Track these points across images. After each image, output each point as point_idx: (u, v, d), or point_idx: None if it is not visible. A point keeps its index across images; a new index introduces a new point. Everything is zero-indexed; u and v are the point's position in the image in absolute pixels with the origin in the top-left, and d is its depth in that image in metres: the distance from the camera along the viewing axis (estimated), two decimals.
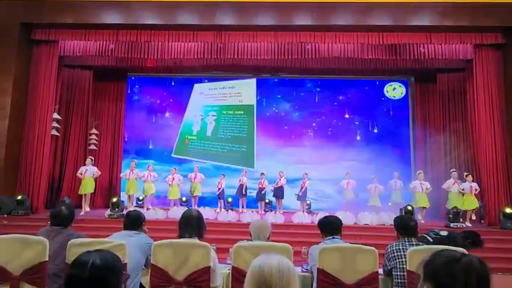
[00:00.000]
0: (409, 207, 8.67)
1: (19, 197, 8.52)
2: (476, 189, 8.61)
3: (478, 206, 8.66)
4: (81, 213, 8.95)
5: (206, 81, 12.67)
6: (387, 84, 11.98)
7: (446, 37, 8.90)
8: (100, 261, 1.38)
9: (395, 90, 11.97)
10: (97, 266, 1.36)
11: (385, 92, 11.95)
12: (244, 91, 12.77)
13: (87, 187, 9.30)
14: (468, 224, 8.44)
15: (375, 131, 11.68)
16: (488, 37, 8.85)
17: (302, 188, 9.95)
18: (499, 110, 8.85)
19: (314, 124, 11.95)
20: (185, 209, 4.33)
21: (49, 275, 2.84)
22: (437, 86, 10.91)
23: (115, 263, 1.43)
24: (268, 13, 8.92)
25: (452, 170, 9.20)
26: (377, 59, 9.96)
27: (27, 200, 8.62)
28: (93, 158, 9.92)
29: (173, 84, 12.39)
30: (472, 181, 8.74)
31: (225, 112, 12.70)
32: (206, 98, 12.71)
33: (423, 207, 9.03)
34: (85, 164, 9.66)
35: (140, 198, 10.34)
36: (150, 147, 12.01)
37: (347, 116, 11.87)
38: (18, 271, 2.77)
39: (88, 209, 9.20)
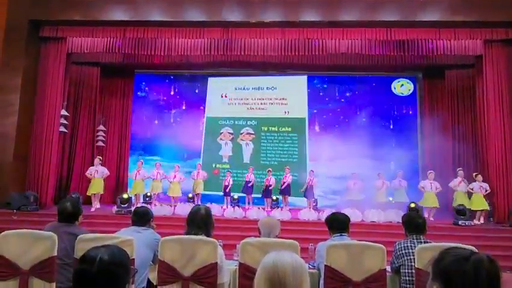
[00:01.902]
0: (412, 205, 8.60)
1: (28, 193, 8.61)
2: (486, 190, 8.45)
3: (488, 208, 8.47)
4: (91, 210, 9.05)
5: (218, 76, 11.22)
6: (394, 81, 11.87)
7: (455, 33, 8.80)
8: (108, 256, 1.39)
9: (402, 87, 11.86)
10: (105, 261, 1.37)
11: (393, 89, 11.85)
12: (291, 96, 10.43)
13: (97, 187, 9.31)
14: (477, 222, 8.36)
15: (382, 127, 11.58)
16: (498, 32, 8.72)
17: (308, 184, 9.91)
18: (509, 106, 8.73)
19: (321, 121, 11.90)
20: (192, 205, 4.34)
21: None
22: (445, 82, 10.79)
23: (122, 258, 1.44)
24: (275, 9, 8.88)
25: (458, 169, 9.10)
26: (385, 55, 9.88)
27: (36, 196, 8.72)
28: (101, 158, 9.95)
29: (180, 81, 12.29)
30: (482, 181, 8.59)
31: (265, 129, 10.46)
32: (233, 104, 10.70)
33: (433, 207, 8.94)
34: (93, 164, 9.65)
35: (148, 194, 10.38)
36: (157, 144, 12.03)
37: (353, 112, 11.79)
38: (27, 266, 2.80)
39: (98, 206, 9.25)
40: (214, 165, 10.65)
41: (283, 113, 10.63)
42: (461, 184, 8.76)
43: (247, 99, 10.84)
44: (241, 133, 10.52)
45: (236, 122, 10.87)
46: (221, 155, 10.71)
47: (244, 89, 10.73)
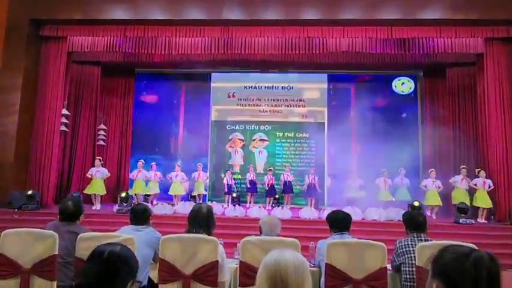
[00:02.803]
0: (415, 203, 8.61)
1: (29, 192, 8.62)
2: (490, 186, 8.42)
3: (491, 205, 8.41)
4: (93, 208, 9.06)
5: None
6: (395, 79, 11.84)
7: (456, 31, 8.77)
8: (117, 251, 1.43)
9: (403, 85, 11.83)
10: (114, 256, 1.41)
11: (393, 87, 11.82)
12: (310, 97, 9.99)
13: (98, 188, 9.28)
14: (480, 220, 8.34)
15: (383, 126, 11.53)
16: (499, 30, 8.70)
17: (309, 182, 9.90)
18: (510, 104, 8.72)
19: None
20: (193, 204, 4.33)
21: None
22: (446, 80, 10.77)
23: (130, 255, 1.47)
24: (276, 8, 8.87)
25: (462, 167, 9.08)
26: (386, 54, 9.86)
27: (37, 195, 8.72)
28: (101, 159, 9.92)
29: (181, 79, 12.23)
30: (486, 177, 8.55)
31: (280, 134, 9.87)
32: (244, 107, 10.07)
33: (436, 206, 8.91)
34: (93, 166, 9.62)
35: (147, 194, 10.34)
36: (158, 143, 12.00)
37: (354, 111, 11.75)
38: (28, 264, 2.81)
39: (99, 207, 9.21)
40: (223, 176, 10.13)
41: (301, 117, 10.13)
42: (463, 182, 8.73)
43: (259, 99, 10.18)
44: (254, 139, 9.90)
45: (247, 127, 10.32)
46: (230, 164, 10.12)
47: (255, 87, 10.10)
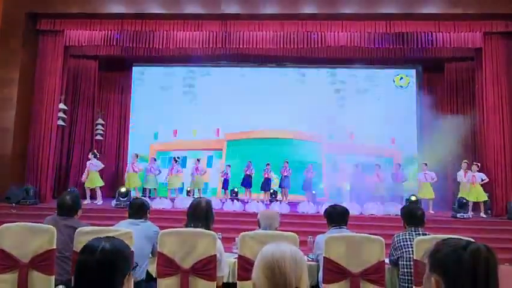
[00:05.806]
0: (413, 197, 8.62)
1: (28, 187, 8.60)
2: (482, 179, 8.42)
3: (487, 198, 8.42)
4: (95, 202, 9.05)
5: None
6: (394, 74, 11.82)
7: (454, 25, 8.76)
8: (110, 246, 1.42)
9: (402, 80, 11.81)
10: (107, 251, 1.40)
11: (392, 82, 11.80)
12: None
13: (95, 181, 9.26)
14: (482, 215, 8.37)
15: (382, 121, 11.50)
16: (497, 25, 8.69)
17: (307, 178, 9.92)
18: (508, 99, 8.71)
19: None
20: (192, 198, 4.35)
21: None
22: (445, 75, 10.77)
23: (124, 249, 1.47)
24: (274, 2, 8.83)
25: (464, 161, 9.05)
26: (384, 48, 9.82)
27: (35, 190, 8.70)
28: (95, 152, 9.78)
29: (179, 74, 12.19)
30: (478, 171, 8.55)
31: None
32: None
33: (430, 199, 8.94)
34: (89, 159, 9.54)
35: (144, 188, 10.30)
36: (156, 138, 11.96)
37: (352, 106, 11.70)
38: (26, 259, 2.80)
39: (101, 202, 9.17)
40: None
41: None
42: (466, 175, 8.74)
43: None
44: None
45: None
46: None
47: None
